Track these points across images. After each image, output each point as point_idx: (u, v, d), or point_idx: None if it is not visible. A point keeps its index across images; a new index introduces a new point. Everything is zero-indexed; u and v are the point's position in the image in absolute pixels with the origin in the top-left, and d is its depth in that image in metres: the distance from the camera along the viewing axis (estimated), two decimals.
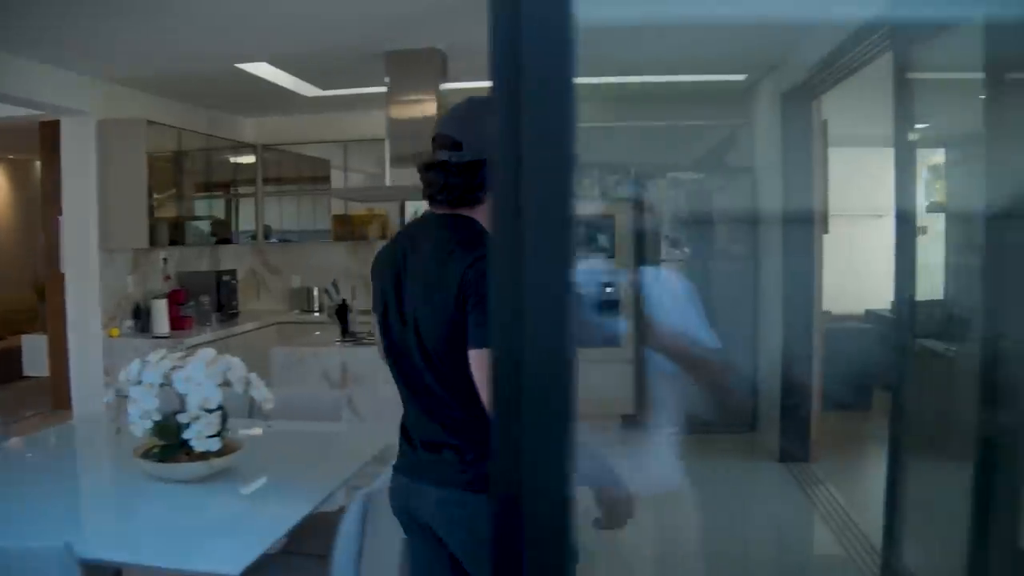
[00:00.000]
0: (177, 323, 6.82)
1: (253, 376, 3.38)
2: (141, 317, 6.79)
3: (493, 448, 1.13)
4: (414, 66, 5.87)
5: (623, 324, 2.82)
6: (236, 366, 3.36)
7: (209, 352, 3.36)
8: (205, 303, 7.31)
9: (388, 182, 6.04)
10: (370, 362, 5.57)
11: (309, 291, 8.29)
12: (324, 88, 7.14)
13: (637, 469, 2.90)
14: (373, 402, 5.37)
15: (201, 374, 3.20)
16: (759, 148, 7.05)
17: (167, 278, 7.26)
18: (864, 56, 4.80)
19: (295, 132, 8.45)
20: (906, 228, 4.13)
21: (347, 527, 2.79)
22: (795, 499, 5.69)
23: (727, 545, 4.36)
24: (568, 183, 1.37)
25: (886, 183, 4.24)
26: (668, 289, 3.01)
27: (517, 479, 1.18)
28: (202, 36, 5.40)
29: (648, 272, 2.84)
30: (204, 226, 7.83)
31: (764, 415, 6.70)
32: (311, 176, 8.64)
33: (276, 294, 8.76)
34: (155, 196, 6.95)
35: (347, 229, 8.47)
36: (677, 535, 3.50)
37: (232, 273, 7.88)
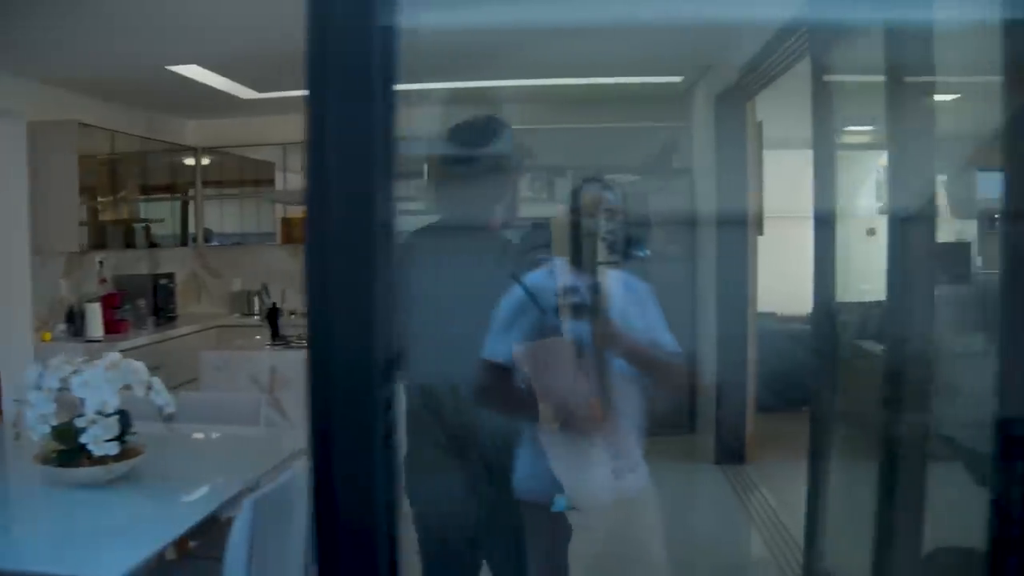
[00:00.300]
0: (112, 326, 6.75)
1: (155, 380, 3.35)
2: (75, 321, 6.71)
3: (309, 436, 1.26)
4: None
5: (584, 329, 2.78)
6: (138, 370, 3.32)
7: (113, 356, 3.33)
8: (141, 306, 7.23)
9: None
10: (299, 364, 5.53)
11: (249, 294, 8.21)
12: (260, 91, 7.09)
13: (609, 473, 2.90)
14: (301, 405, 5.33)
15: (99, 378, 3.16)
16: (697, 150, 7.06)
17: (103, 281, 7.18)
18: (788, 58, 4.81)
19: (236, 134, 8.39)
20: (825, 230, 4.13)
21: (236, 532, 2.76)
22: (727, 501, 5.70)
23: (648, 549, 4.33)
24: (375, 189, 1.35)
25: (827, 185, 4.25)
26: (632, 292, 2.99)
27: (329, 468, 1.28)
28: (130, 38, 5.35)
29: (611, 275, 2.79)
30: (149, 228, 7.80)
31: (702, 416, 6.70)
32: (255, 179, 8.58)
33: (217, 297, 8.69)
34: (100, 199, 6.90)
35: (292, 232, 8.40)
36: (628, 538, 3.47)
37: (170, 276, 7.81)
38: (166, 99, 7.46)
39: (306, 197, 1.35)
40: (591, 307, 2.71)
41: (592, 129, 7.33)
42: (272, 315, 5.97)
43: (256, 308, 8.10)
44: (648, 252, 3.06)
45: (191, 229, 8.44)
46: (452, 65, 5.57)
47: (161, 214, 8.02)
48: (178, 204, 8.34)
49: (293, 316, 7.08)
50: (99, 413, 3.14)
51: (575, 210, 2.87)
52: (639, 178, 7.27)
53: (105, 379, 3.18)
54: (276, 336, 5.93)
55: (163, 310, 7.54)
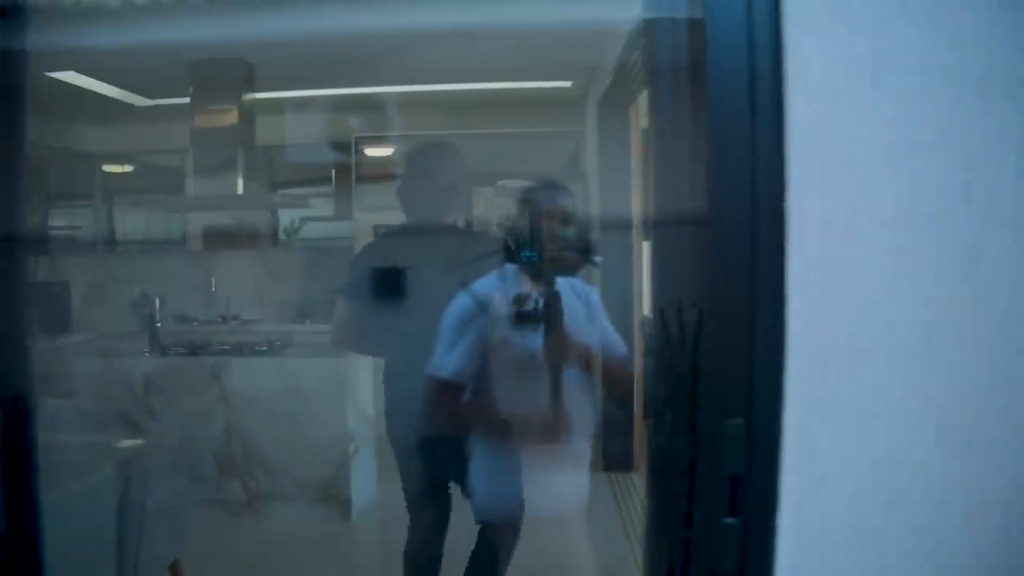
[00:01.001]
0: None
1: None
2: None
3: None
4: (218, 75, 5.76)
5: (538, 339, 2.76)
6: None
7: None
8: None
9: (191, 192, 5.96)
10: (176, 371, 5.50)
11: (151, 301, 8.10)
12: (151, 97, 7.01)
13: (554, 486, 2.88)
14: (178, 412, 5.30)
15: None
16: (590, 154, 7.04)
17: None
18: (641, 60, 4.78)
19: (138, 141, 8.26)
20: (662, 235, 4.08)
21: None
22: (605, 509, 5.64)
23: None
24: None
25: None
26: (580, 297, 2.98)
27: None
28: None
29: (562, 282, 2.79)
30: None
31: (599, 424, 6.66)
32: (161, 185, 8.50)
33: (119, 304, 8.56)
34: None
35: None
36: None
37: (65, 284, 7.72)
38: (59, 106, 7.33)
39: None
40: (545, 315, 2.68)
41: (490, 134, 7.29)
42: (150, 322, 5.93)
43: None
44: (600, 259, 3.09)
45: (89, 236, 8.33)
46: (342, 72, 5.55)
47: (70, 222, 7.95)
48: (102, 210, 8.27)
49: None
50: None
51: (528, 216, 2.88)
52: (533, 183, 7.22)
53: None
54: (153, 343, 5.89)
55: None
